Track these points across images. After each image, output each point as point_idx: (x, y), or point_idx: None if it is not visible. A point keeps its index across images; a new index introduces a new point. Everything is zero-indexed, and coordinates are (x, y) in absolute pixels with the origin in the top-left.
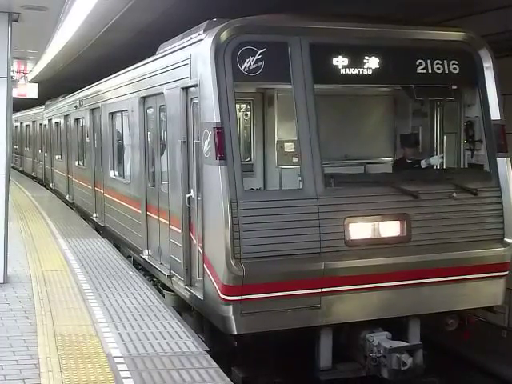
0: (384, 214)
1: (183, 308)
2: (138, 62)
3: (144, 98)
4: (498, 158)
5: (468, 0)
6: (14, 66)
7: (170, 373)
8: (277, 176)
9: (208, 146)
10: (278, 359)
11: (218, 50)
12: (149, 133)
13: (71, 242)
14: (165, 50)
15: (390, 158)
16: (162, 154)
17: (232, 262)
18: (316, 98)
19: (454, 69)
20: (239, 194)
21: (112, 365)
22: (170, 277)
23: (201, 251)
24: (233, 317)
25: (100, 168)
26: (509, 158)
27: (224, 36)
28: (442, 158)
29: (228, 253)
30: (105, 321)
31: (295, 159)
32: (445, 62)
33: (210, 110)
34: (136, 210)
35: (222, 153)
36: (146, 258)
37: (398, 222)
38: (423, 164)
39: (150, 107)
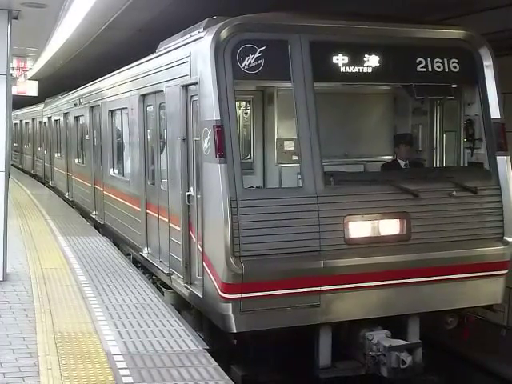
0: (384, 212)
1: (182, 306)
2: (137, 59)
3: (144, 95)
4: (497, 157)
5: None
6: (14, 64)
7: (169, 371)
8: (276, 174)
9: (208, 143)
10: (278, 357)
11: (218, 48)
12: (148, 131)
13: (71, 240)
14: (164, 48)
15: (390, 157)
16: (161, 152)
17: (231, 260)
18: (316, 96)
19: (454, 67)
20: (239, 192)
21: (111, 363)
22: (169, 275)
23: (200, 249)
24: (232, 315)
25: (99, 166)
26: (509, 157)
27: (224, 34)
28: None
29: (227, 251)
30: (104, 319)
31: (295, 157)
32: (445, 60)
33: (210, 108)
34: (135, 207)
35: (221, 151)
36: (145, 255)
37: (398, 220)
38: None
39: (150, 105)
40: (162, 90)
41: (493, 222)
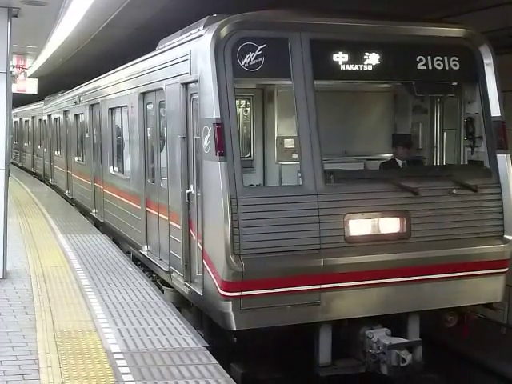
0: (384, 210)
1: (182, 304)
2: (137, 57)
3: (144, 93)
4: (497, 155)
5: None
6: (14, 62)
7: (169, 369)
8: (276, 172)
9: (208, 141)
10: (278, 355)
11: (218, 46)
12: (148, 128)
13: (70, 238)
14: (164, 46)
15: (390, 155)
16: (161, 150)
17: (231, 258)
18: (316, 94)
19: (455, 65)
20: (239, 189)
21: (111, 361)
22: (169, 273)
23: (200, 247)
24: (232, 313)
25: (99, 164)
26: (509, 155)
27: (224, 32)
28: None
29: (227, 249)
30: (104, 316)
31: (295, 155)
32: (445, 58)
33: (210, 106)
34: (135, 205)
35: (221, 149)
36: (145, 253)
37: (398, 218)
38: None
39: (150, 103)
40: (162, 88)
41: (493, 220)
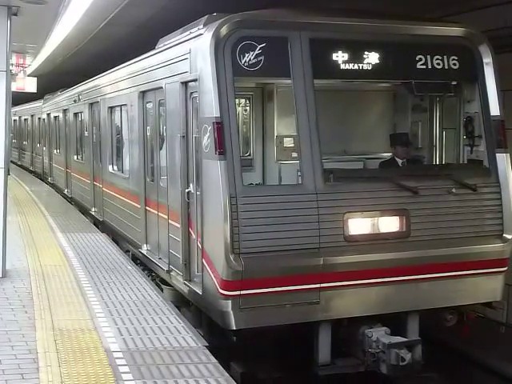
0: (383, 209)
1: (182, 303)
2: (137, 56)
3: (143, 92)
4: (497, 154)
5: None
6: (13, 60)
7: (168, 368)
8: (276, 171)
9: (207, 140)
10: (277, 354)
11: (218, 45)
12: (148, 127)
13: (70, 237)
14: (164, 45)
15: (390, 154)
16: (161, 149)
17: (231, 257)
18: (316, 93)
19: (454, 64)
20: (238, 188)
21: (111, 359)
22: (168, 271)
23: (200, 246)
24: (231, 312)
25: (99, 162)
26: (508, 154)
27: (224, 30)
28: None
29: (227, 248)
30: (103, 315)
31: (294, 154)
32: (444, 57)
33: (210, 105)
34: (135, 204)
35: (221, 147)
36: (144, 252)
37: (398, 217)
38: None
39: (150, 102)
40: (162, 87)
41: (492, 219)
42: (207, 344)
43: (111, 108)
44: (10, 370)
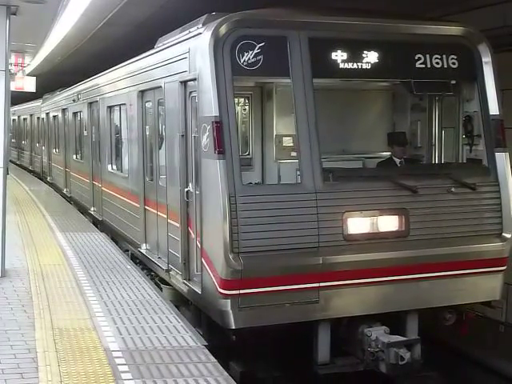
0: (382, 208)
1: (181, 302)
2: (136, 56)
3: (142, 91)
4: (496, 153)
5: None
6: (12, 60)
7: (168, 367)
8: (275, 170)
9: (206, 140)
10: (276, 353)
11: (217, 44)
12: (147, 127)
13: (69, 236)
14: (163, 44)
15: (389, 153)
16: (160, 148)
17: (230, 256)
18: (315, 93)
19: (453, 63)
20: (238, 188)
21: (110, 359)
22: (168, 271)
23: (199, 245)
24: (231, 311)
25: (98, 162)
26: (507, 153)
27: (223, 30)
28: None
29: (226, 247)
30: (103, 315)
31: (294, 153)
32: (444, 56)
33: (209, 104)
34: (134, 203)
35: (220, 147)
36: (143, 251)
37: (397, 216)
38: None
39: (149, 101)
40: (161, 86)
41: (491, 218)
42: (206, 343)
43: (110, 107)
44: (9, 370)
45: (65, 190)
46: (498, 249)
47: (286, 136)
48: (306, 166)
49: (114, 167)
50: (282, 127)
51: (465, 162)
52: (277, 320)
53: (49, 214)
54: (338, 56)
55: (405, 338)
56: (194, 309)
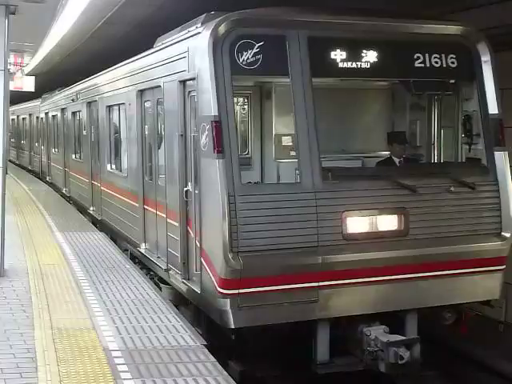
0: (382, 207)
1: (180, 302)
2: (135, 55)
3: (141, 91)
4: (495, 152)
5: None
6: (11, 59)
7: (167, 366)
8: (274, 170)
9: (206, 139)
10: (276, 353)
11: (216, 43)
12: (146, 126)
13: (68, 236)
14: (162, 43)
15: (388, 152)
16: (159, 148)
17: (229, 256)
18: (314, 92)
19: (452, 63)
20: (237, 187)
21: (109, 358)
22: (167, 270)
23: (198, 245)
24: (230, 310)
25: (97, 161)
26: (506, 152)
27: (222, 29)
28: None
29: (226, 246)
30: (102, 314)
31: (293, 153)
32: (443, 55)
33: (208, 104)
34: (133, 203)
35: (219, 146)
36: (143, 251)
37: (396, 215)
38: None
39: (148, 100)
40: (160, 86)
41: (490, 217)
42: (205, 342)
43: (109, 107)
44: (8, 369)
45: (64, 190)
46: (497, 248)
47: (285, 135)
48: (305, 166)
49: (113, 167)
50: (281, 126)
51: (464, 161)
52: (276, 319)
53: (48, 214)
54: (337, 55)
55: (404, 338)
56: (194, 308)
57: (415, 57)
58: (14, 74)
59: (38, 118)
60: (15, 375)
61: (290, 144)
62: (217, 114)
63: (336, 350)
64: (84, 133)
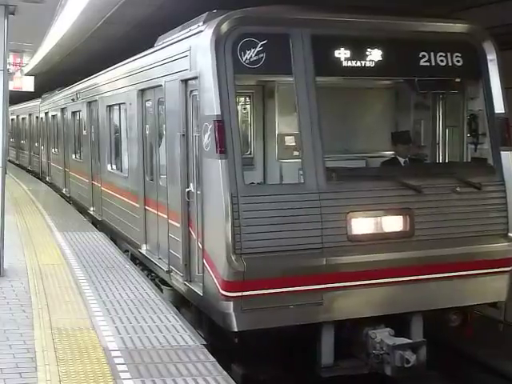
0: (387, 208)
1: (182, 303)
2: (135, 54)
3: (142, 90)
4: (501, 152)
5: None
6: (10, 59)
7: (166, 366)
8: (277, 170)
9: (208, 139)
10: (279, 356)
11: (219, 42)
12: (147, 126)
13: (68, 236)
14: (163, 42)
15: (392, 152)
16: (160, 148)
17: (232, 258)
18: (317, 91)
19: (458, 61)
20: (239, 188)
21: (109, 358)
22: (168, 272)
23: (200, 246)
24: (233, 313)
25: (97, 161)
26: None
27: (224, 27)
28: None
29: (228, 248)
30: (101, 314)
31: (296, 153)
32: (448, 54)
33: (210, 103)
34: (134, 204)
35: (222, 146)
36: (144, 252)
37: (401, 216)
38: None
39: (149, 100)
40: (161, 85)
41: (497, 218)
42: (205, 342)
43: (110, 107)
44: (8, 370)
45: (64, 190)
46: (504, 249)
47: (289, 135)
48: (309, 166)
49: (114, 167)
50: (285, 126)
51: (470, 161)
52: (280, 322)
53: (47, 214)
54: (341, 54)
55: (410, 341)
56: (195, 310)
57: (420, 55)
58: (14, 73)
59: (37, 117)
60: (15, 375)
61: (293, 144)
62: (219, 113)
63: (340, 353)
64: (84, 133)
